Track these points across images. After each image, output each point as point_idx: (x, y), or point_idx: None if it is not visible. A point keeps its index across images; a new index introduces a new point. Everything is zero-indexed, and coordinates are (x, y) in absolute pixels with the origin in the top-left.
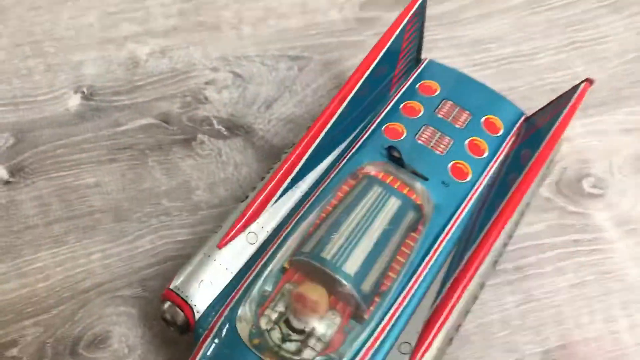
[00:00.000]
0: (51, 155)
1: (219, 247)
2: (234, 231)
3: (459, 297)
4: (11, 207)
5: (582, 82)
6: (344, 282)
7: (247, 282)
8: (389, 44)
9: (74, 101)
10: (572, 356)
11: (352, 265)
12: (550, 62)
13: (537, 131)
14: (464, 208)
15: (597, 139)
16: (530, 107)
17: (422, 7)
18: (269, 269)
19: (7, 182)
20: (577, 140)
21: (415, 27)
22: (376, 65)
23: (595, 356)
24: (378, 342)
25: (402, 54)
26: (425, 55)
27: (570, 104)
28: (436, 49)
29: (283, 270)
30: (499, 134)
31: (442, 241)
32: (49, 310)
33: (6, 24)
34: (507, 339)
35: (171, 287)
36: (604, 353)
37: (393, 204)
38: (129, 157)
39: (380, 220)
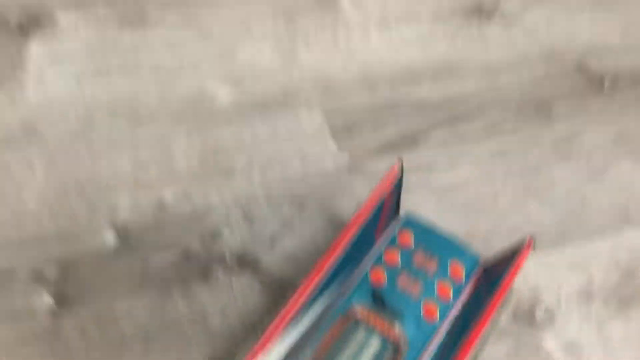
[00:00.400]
0: (90, 286)
1: None
2: None
3: None
4: (55, 332)
5: (526, 241)
6: None
7: None
8: (375, 206)
9: (110, 237)
10: None
11: None
12: (508, 205)
13: (492, 279)
14: (432, 344)
15: (547, 273)
16: (491, 245)
17: (401, 172)
18: None
19: (52, 310)
20: (531, 274)
21: (395, 189)
22: (364, 222)
23: None
24: None
25: (384, 210)
26: (403, 196)
27: (517, 260)
28: (411, 193)
29: None
30: (461, 279)
31: None
32: None
33: (54, 169)
34: None
35: None
36: None
37: (375, 342)
38: (156, 288)
39: (365, 356)
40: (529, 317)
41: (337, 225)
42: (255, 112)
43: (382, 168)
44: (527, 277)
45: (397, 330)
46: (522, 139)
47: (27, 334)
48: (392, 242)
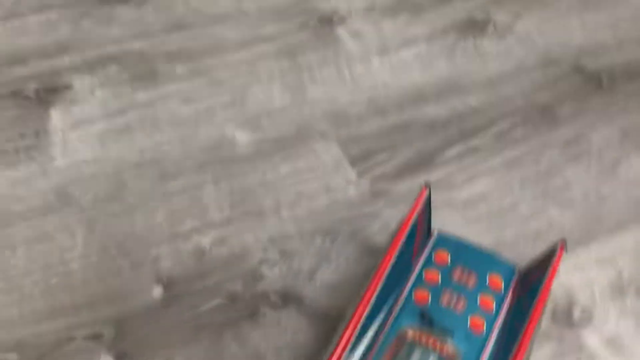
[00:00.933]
0: (147, 340)
1: None
2: None
3: None
4: None
5: (558, 245)
6: None
7: None
8: (409, 230)
9: (157, 291)
10: None
11: None
12: (529, 211)
13: (530, 285)
14: (484, 355)
15: (577, 272)
16: (519, 252)
17: (429, 195)
18: None
19: None
20: (562, 275)
21: (425, 211)
22: (401, 247)
23: None
24: None
25: (418, 233)
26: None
27: (552, 265)
28: (435, 211)
29: None
30: (501, 290)
31: None
32: None
33: (93, 231)
34: None
35: None
36: None
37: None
38: (207, 335)
39: None
40: (568, 318)
41: (370, 251)
42: (275, 151)
43: (403, 189)
44: (560, 279)
45: (451, 346)
46: (532, 145)
47: None
48: (430, 261)
